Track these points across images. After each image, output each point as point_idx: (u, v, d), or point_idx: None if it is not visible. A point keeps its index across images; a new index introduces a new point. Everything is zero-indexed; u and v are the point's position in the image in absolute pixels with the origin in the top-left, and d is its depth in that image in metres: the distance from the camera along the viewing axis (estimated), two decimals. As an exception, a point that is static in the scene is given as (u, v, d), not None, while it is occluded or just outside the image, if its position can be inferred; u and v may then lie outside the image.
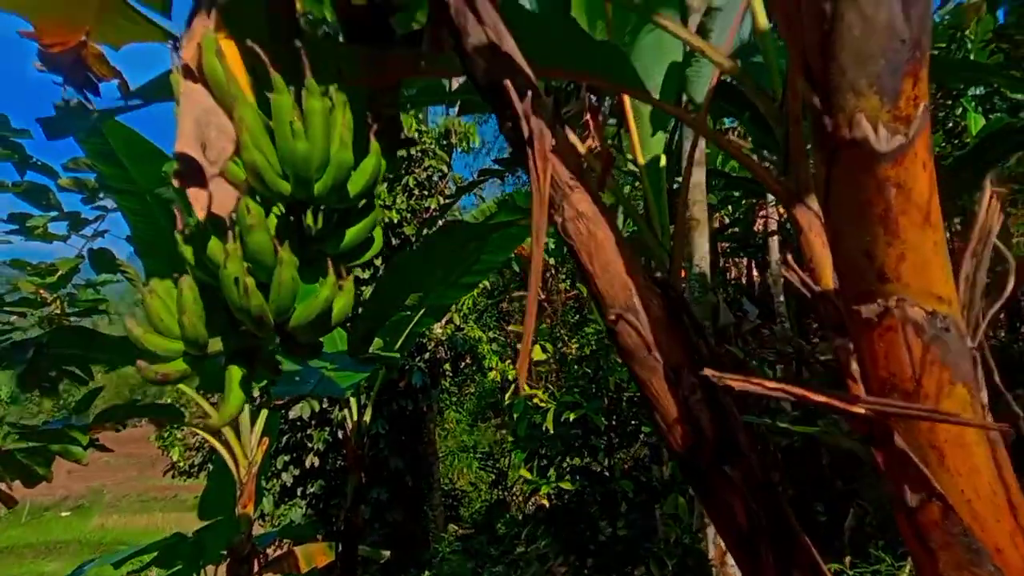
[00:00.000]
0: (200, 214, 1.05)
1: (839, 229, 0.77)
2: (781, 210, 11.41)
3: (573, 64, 1.69)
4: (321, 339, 1.28)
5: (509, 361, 8.25)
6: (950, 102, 8.26)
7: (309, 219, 1.26)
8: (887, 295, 0.71)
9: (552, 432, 4.85)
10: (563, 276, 13.96)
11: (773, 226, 10.40)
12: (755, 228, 11.98)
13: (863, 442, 0.76)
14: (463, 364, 10.09)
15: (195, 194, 1.05)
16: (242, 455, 5.07)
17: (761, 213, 11.13)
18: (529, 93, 1.08)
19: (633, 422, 4.96)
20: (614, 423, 4.97)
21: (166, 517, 17.98)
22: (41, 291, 4.43)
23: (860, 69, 0.70)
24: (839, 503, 3.63)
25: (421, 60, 1.59)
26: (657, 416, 0.96)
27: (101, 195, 4.79)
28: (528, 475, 4.99)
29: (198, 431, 5.16)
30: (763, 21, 1.88)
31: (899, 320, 0.69)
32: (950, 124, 8.50)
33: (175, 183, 1.06)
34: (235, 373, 1.19)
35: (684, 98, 3.32)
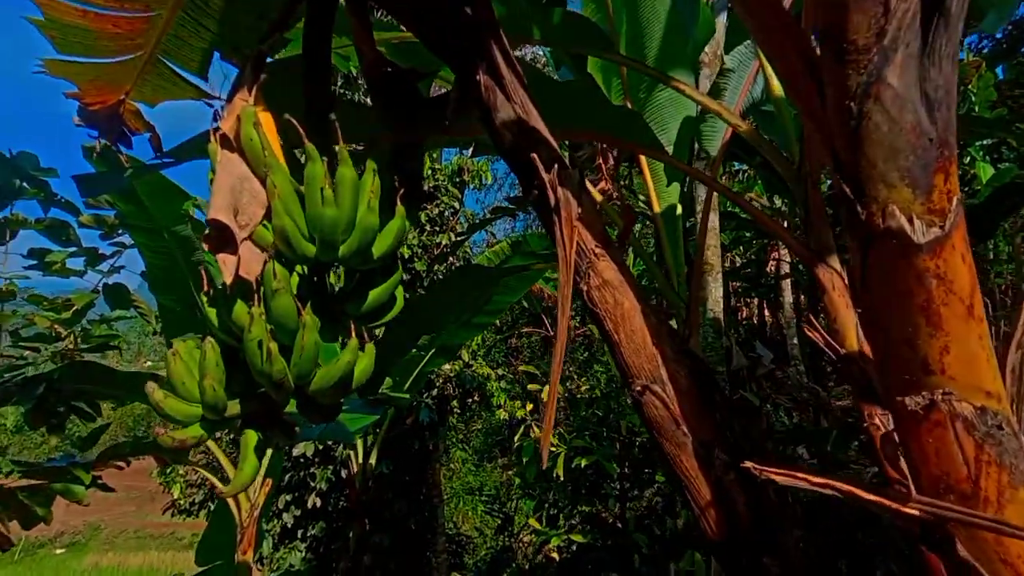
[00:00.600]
0: (228, 279, 1.05)
1: (878, 315, 0.76)
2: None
3: (593, 126, 1.72)
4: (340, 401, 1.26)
5: (517, 400, 8.16)
6: (957, 151, 8.39)
7: (332, 278, 1.27)
8: (932, 387, 0.69)
9: (563, 478, 4.75)
10: (572, 312, 13.93)
11: (786, 268, 10.37)
12: (767, 269, 11.94)
13: (912, 540, 0.73)
14: (471, 401, 9.98)
15: (224, 259, 1.06)
16: (244, 497, 4.98)
17: (773, 254, 11.12)
18: (556, 165, 1.10)
19: (647, 469, 4.84)
20: (626, 470, 4.86)
21: (162, 556, 17.63)
22: (56, 326, 4.45)
23: (890, 163, 0.70)
24: (863, 561, 3.49)
25: (445, 121, 1.62)
26: (688, 496, 0.94)
27: (119, 231, 4.86)
28: (538, 526, 4.86)
29: (200, 470, 5.08)
30: (778, 88, 1.92)
31: (947, 415, 0.67)
32: (959, 172, 8.67)
33: (205, 247, 1.07)
34: (250, 438, 1.17)
35: (696, 147, 3.37)
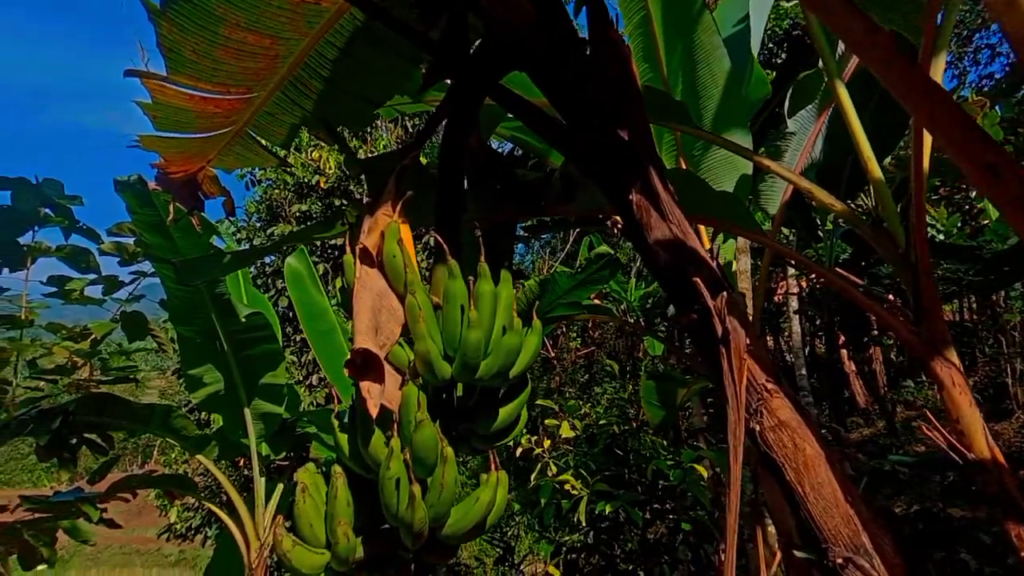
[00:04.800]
0: (373, 410, 0.96)
1: None
2: (804, 282, 11.42)
3: (693, 209, 1.65)
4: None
5: (527, 431, 8.02)
6: (964, 186, 8.49)
7: (459, 392, 1.18)
8: None
9: (584, 523, 4.63)
10: (573, 334, 13.78)
11: (793, 300, 10.36)
12: (775, 298, 11.95)
13: None
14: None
15: (368, 387, 0.98)
16: (254, 535, 4.80)
17: (781, 284, 11.12)
18: (724, 292, 1.02)
19: (671, 516, 4.72)
20: (647, 515, 4.73)
21: (147, 574, 17.20)
22: (73, 357, 4.31)
23: None
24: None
25: (540, 203, 1.56)
26: None
27: (140, 259, 4.75)
28: (557, 573, 4.71)
29: (209, 504, 4.93)
30: (876, 171, 1.86)
31: None
32: (966, 207, 8.76)
33: (346, 372, 0.99)
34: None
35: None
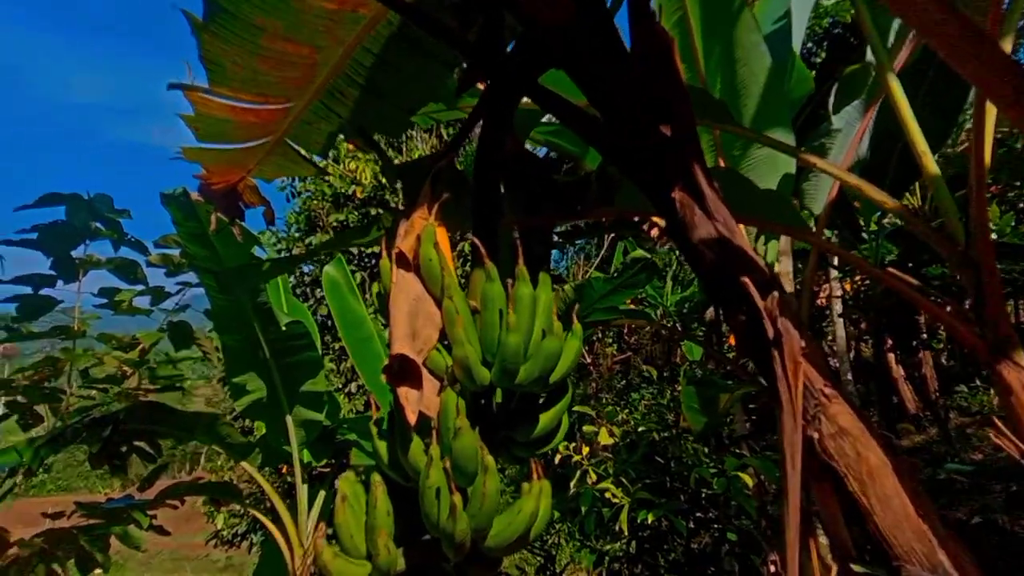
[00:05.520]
0: (411, 417, 0.95)
1: None
2: (848, 285, 11.05)
3: (740, 210, 1.60)
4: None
5: (564, 438, 7.94)
6: (1018, 183, 8.26)
7: (498, 399, 1.16)
8: None
9: (626, 532, 4.53)
10: (609, 340, 13.62)
11: (837, 303, 10.03)
12: (817, 302, 11.58)
13: None
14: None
15: (406, 393, 0.96)
16: (297, 543, 4.86)
17: (824, 288, 10.78)
18: (774, 292, 0.97)
19: (715, 526, 4.59)
20: (691, 524, 4.61)
21: (197, 581, 17.70)
22: (123, 366, 4.46)
23: None
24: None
25: (577, 206, 1.53)
26: None
27: (185, 269, 4.90)
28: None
29: (252, 511, 5.00)
30: (932, 165, 1.77)
31: None
32: (1020, 205, 8.58)
33: (384, 379, 0.97)
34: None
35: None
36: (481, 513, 0.97)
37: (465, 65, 1.40)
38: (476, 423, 1.07)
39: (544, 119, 2.38)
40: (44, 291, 4.23)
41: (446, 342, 1.05)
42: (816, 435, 0.94)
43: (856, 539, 0.98)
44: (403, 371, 0.96)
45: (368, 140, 1.59)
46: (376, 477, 1.02)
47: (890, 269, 1.89)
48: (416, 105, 1.53)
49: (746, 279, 0.99)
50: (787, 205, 1.74)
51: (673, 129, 0.98)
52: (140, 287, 4.78)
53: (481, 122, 1.13)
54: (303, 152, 1.64)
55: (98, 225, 4.30)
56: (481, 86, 1.62)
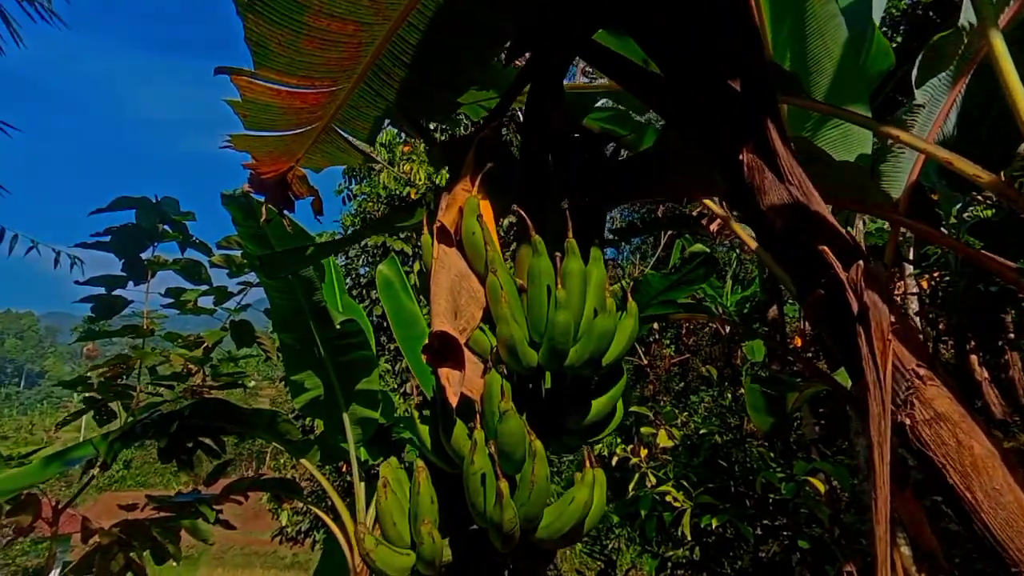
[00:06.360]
0: (453, 398, 0.89)
1: None
2: (924, 282, 10.38)
3: (814, 183, 1.47)
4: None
5: (621, 440, 7.76)
6: None
7: (547, 383, 1.09)
8: None
9: (689, 538, 4.35)
10: (667, 341, 13.24)
11: (913, 301, 9.41)
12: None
13: None
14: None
15: (447, 374, 0.91)
16: (356, 541, 4.90)
17: (898, 284, 10.11)
18: (859, 262, 0.86)
19: (784, 533, 4.33)
20: (759, 531, 4.38)
21: (266, 574, 18.42)
22: (188, 363, 4.63)
23: None
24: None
25: (632, 185, 1.44)
26: None
27: (246, 270, 5.06)
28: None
29: (313, 508, 5.09)
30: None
31: None
32: None
33: (424, 359, 0.92)
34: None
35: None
36: (530, 501, 0.90)
37: (513, 39, 1.34)
38: (523, 408, 1.00)
39: (598, 104, 2.28)
40: (116, 291, 4.44)
41: (491, 322, 0.99)
42: (908, 421, 0.82)
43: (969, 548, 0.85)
44: (444, 350, 0.90)
45: (415, 125, 1.55)
46: (419, 462, 0.97)
47: (985, 253, 1.71)
48: (463, 84, 1.48)
49: (824, 248, 0.88)
50: (866, 177, 1.59)
51: (742, 82, 0.89)
52: (204, 287, 4.97)
53: (528, 88, 1.06)
54: (352, 140, 1.62)
55: (165, 227, 4.49)
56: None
